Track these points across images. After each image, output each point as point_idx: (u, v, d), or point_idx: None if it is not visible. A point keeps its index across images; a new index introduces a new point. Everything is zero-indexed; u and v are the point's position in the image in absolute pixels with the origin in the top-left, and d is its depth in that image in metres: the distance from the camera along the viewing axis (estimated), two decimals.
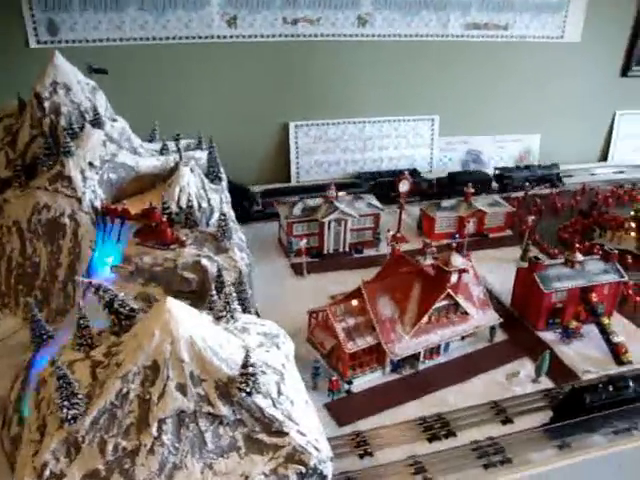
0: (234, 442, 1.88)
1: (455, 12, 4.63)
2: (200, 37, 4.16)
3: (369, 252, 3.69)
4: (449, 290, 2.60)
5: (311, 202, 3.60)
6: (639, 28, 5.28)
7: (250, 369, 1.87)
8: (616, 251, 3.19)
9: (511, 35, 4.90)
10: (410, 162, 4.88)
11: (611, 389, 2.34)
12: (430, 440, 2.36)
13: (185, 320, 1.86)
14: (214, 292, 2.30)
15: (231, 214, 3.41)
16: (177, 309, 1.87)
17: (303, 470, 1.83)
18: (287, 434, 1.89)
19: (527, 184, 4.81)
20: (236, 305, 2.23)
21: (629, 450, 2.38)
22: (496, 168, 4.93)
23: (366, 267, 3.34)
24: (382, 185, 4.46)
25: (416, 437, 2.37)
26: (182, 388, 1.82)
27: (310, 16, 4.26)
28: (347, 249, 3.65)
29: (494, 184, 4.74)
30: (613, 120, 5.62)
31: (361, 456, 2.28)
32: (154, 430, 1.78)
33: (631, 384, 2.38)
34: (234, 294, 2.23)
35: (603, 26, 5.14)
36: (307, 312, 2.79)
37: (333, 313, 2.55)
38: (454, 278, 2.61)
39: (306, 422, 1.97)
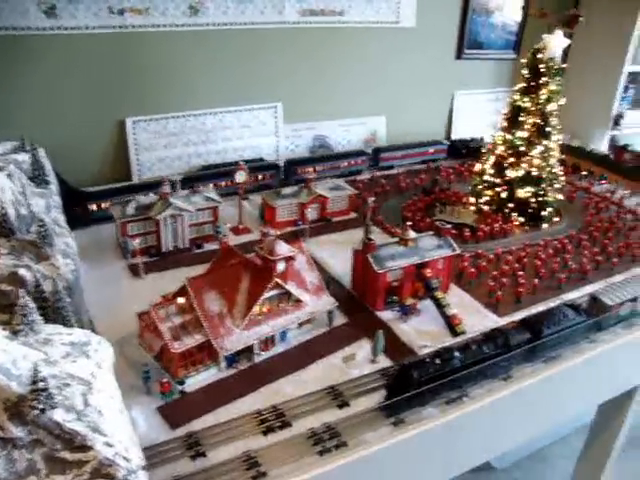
0: (32, 465, 1.73)
1: None
2: (15, 28, 3.81)
3: (210, 246, 3.58)
4: (277, 279, 2.55)
5: (145, 200, 3.46)
6: (467, 15, 5.50)
7: (40, 384, 1.73)
8: (448, 225, 3.29)
9: (348, 21, 4.94)
10: (256, 151, 4.81)
11: (438, 362, 2.39)
12: (265, 433, 2.31)
13: None
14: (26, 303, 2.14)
15: (58, 219, 3.21)
16: None
17: None
18: (91, 448, 1.77)
19: None
20: (35, 316, 2.07)
21: (461, 416, 2.45)
22: None
23: (207, 262, 3.21)
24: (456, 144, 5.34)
25: (251, 431, 2.31)
26: None
27: (138, 5, 4.05)
28: (187, 245, 3.53)
29: None
30: (452, 100, 5.83)
31: (193, 457, 2.19)
32: None
33: (457, 354, 2.43)
34: (31, 305, 2.07)
35: (435, 12, 5.30)
36: (136, 314, 2.67)
37: (157, 313, 2.44)
38: (281, 266, 2.57)
39: (117, 432, 1.85)
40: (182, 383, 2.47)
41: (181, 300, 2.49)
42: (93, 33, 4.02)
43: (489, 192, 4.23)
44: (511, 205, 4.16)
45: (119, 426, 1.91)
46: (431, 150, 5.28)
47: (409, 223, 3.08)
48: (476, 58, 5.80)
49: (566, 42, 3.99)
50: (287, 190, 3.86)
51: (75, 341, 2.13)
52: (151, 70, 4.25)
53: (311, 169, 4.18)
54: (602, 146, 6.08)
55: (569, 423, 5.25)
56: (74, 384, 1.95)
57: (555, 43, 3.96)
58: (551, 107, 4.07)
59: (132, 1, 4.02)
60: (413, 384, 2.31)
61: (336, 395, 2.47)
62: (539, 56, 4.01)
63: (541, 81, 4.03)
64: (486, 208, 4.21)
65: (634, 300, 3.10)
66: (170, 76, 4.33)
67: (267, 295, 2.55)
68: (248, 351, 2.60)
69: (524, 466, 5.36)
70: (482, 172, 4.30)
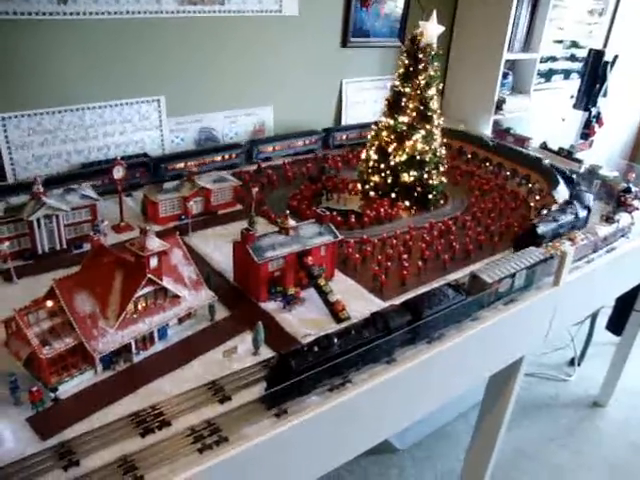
0: None
1: None
2: None
3: (90, 245, 3.42)
4: (150, 275, 2.47)
5: (15, 200, 3.28)
6: (350, 3, 5.53)
7: None
8: (333, 212, 3.29)
9: (229, 10, 4.85)
10: (140, 146, 4.66)
11: (316, 349, 2.38)
12: (143, 435, 2.23)
13: None
14: None
15: None
16: None
17: None
18: None
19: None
20: None
21: (345, 402, 2.46)
22: None
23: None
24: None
25: (128, 434, 2.23)
26: None
27: None
28: (65, 246, 3.38)
29: None
30: (341, 88, 5.86)
31: (65, 468, 2.09)
32: None
33: (336, 341, 2.43)
34: None
35: (317, 1, 5.31)
36: (0, 322, 2.52)
37: (23, 318, 2.31)
38: (154, 262, 2.49)
39: None
40: (55, 390, 2.36)
41: (49, 303, 2.36)
42: None
43: (375, 178, 4.29)
44: (397, 190, 4.23)
45: None
46: (308, 140, 5.27)
47: (287, 212, 3.04)
48: (362, 46, 5.85)
49: (440, 29, 4.07)
50: (169, 184, 3.76)
51: None
52: (18, 62, 4.00)
53: (182, 165, 4.09)
54: (487, 130, 6.29)
55: (469, 398, 5.44)
56: None
57: (431, 30, 4.04)
58: (431, 92, 4.17)
59: None
60: (292, 374, 2.28)
61: (217, 390, 2.43)
62: (416, 42, 4.08)
63: (420, 67, 4.11)
64: (372, 194, 4.26)
65: (512, 276, 3.20)
66: (41, 69, 4.11)
67: (141, 292, 2.46)
68: (126, 351, 2.51)
69: (426, 444, 5.50)
70: (368, 158, 4.35)
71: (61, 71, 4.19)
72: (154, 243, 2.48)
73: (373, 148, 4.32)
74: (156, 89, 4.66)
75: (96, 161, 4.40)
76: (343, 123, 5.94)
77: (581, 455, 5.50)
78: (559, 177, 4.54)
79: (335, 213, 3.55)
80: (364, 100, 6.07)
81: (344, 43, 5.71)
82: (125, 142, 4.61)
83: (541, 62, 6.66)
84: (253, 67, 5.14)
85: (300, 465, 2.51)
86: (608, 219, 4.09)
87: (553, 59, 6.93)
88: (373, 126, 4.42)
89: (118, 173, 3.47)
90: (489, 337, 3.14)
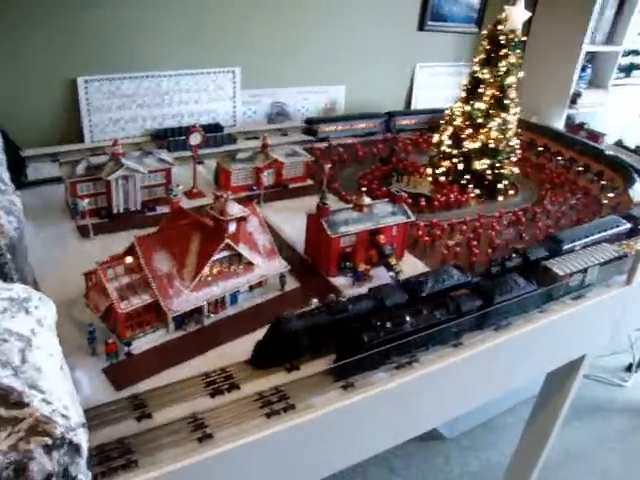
0: None
1: None
2: None
3: (163, 209, 3.48)
4: (228, 240, 2.50)
5: (95, 160, 3.35)
6: None
7: None
8: (403, 194, 3.26)
9: None
10: (213, 116, 4.71)
11: (389, 326, 2.37)
12: (213, 395, 2.27)
13: None
14: None
15: (2, 176, 3.10)
16: None
17: (49, 442, 1.65)
18: (28, 405, 1.70)
19: None
20: None
21: (411, 382, 2.45)
22: None
23: (158, 225, 3.15)
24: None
25: (198, 393, 2.27)
26: None
27: None
28: (139, 207, 3.45)
29: None
30: (414, 71, 5.80)
31: (139, 419, 2.15)
32: None
33: (408, 319, 2.42)
34: None
35: None
36: (82, 274, 2.59)
37: (105, 272, 2.37)
38: (232, 227, 2.51)
39: (56, 389, 1.79)
40: (129, 344, 2.42)
41: (129, 259, 2.41)
42: None
43: (446, 163, 4.24)
44: (467, 176, 4.18)
45: (58, 384, 1.84)
46: (370, 123, 5.23)
47: (363, 189, 3.03)
48: (438, 30, 5.76)
49: (527, 14, 3.98)
50: (242, 154, 3.79)
51: (14, 297, 2.04)
52: (103, 30, 4.08)
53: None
54: (559, 124, 6.13)
55: (519, 393, 5.37)
56: (12, 340, 1.87)
57: (516, 15, 3.95)
58: (510, 80, 4.09)
59: None
60: (363, 347, 2.29)
61: None
62: (500, 27, 4.00)
63: (501, 53, 4.03)
64: (442, 179, 4.22)
65: (584, 271, 3.13)
66: (123, 36, 4.20)
67: (217, 256, 2.50)
68: (197, 313, 2.55)
69: (473, 435, 5.47)
70: (440, 143, 4.30)
71: (142, 39, 4.26)
72: (234, 208, 2.51)
73: (446, 133, 4.27)
74: (232, 60, 4.69)
75: (170, 128, 4.45)
76: (412, 107, 5.88)
77: (632, 462, 5.39)
78: (636, 176, 4.41)
79: (405, 195, 3.52)
80: (436, 85, 5.99)
81: (421, 26, 5.64)
82: (198, 111, 4.66)
83: (623, 56, 6.41)
84: (329, 45, 5.12)
85: (361, 440, 2.52)
86: None
87: (636, 53, 6.68)
88: (447, 111, 4.36)
89: (195, 140, 3.52)
90: (555, 331, 3.08)
